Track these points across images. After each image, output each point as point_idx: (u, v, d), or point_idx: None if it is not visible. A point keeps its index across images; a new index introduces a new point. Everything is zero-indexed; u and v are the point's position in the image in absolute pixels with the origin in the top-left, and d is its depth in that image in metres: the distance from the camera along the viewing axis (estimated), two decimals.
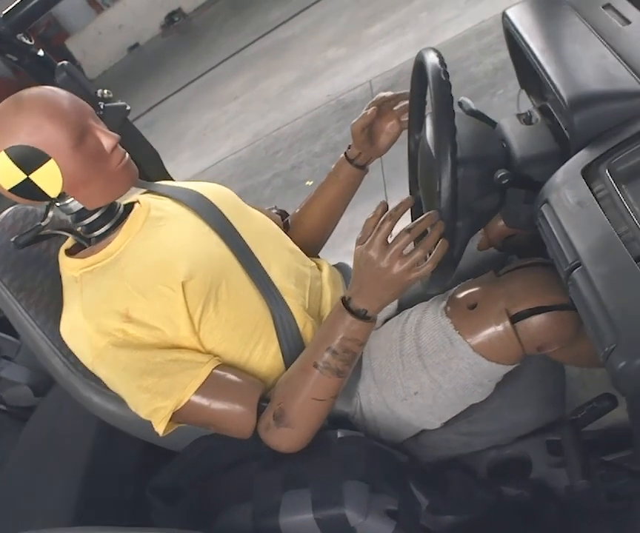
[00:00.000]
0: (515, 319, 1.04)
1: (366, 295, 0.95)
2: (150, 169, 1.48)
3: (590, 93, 1.03)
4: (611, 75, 1.03)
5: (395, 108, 1.22)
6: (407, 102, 1.21)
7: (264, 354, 1.10)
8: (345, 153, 1.30)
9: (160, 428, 1.01)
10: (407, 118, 1.23)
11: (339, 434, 1.08)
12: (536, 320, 1.04)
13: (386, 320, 1.26)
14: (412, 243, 0.92)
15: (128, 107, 1.39)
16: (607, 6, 1.21)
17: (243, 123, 4.72)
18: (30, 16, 1.30)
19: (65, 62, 1.34)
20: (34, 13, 1.30)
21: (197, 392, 1.00)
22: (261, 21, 6.58)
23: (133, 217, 1.10)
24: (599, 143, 0.98)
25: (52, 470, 1.30)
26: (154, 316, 1.01)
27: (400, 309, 1.27)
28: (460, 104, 1.32)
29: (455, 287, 1.17)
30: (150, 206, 1.12)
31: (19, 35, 1.31)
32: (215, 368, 1.02)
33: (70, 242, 1.12)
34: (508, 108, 1.28)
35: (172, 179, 1.57)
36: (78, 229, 1.08)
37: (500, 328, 1.04)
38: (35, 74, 1.35)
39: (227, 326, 1.07)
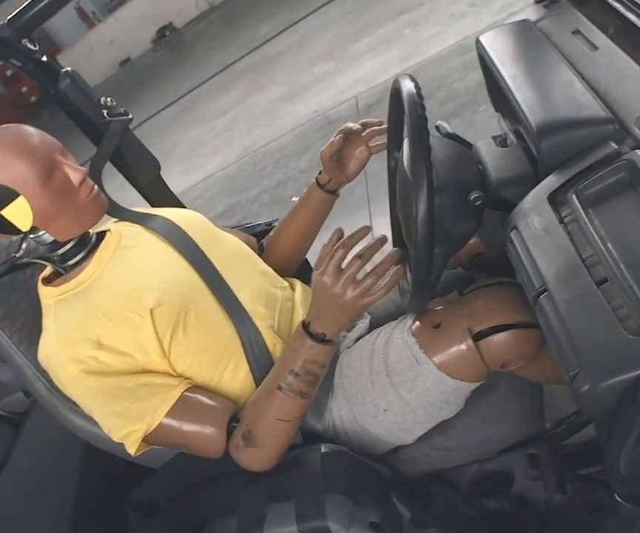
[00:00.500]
0: (477, 337, 1.06)
1: (323, 319, 0.97)
2: (145, 181, 1.46)
3: (558, 120, 1.05)
4: (578, 102, 1.05)
5: (363, 134, 1.24)
6: (374, 128, 1.24)
7: (234, 376, 1.12)
8: (316, 178, 1.32)
9: (132, 450, 1.03)
10: (375, 144, 1.26)
11: (323, 449, 1.09)
12: (498, 338, 1.05)
13: (358, 339, 1.27)
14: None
15: (131, 116, 1.39)
16: (576, 32, 1.24)
17: (231, 138, 4.73)
18: (35, 21, 1.29)
19: (69, 69, 1.33)
20: (38, 18, 1.29)
21: (167, 415, 1.02)
22: (250, 35, 6.61)
23: (104, 246, 1.12)
24: (566, 168, 1.00)
25: (40, 507, 1.28)
26: (125, 343, 1.03)
27: (372, 327, 1.29)
28: (437, 127, 1.34)
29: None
30: (120, 235, 1.15)
31: (24, 41, 1.30)
32: (185, 391, 1.04)
33: (48, 270, 1.14)
34: (489, 125, 1.30)
35: (169, 191, 1.57)
36: (55, 258, 1.09)
37: (463, 346, 1.06)
38: (39, 80, 1.35)
39: (197, 350, 1.08)
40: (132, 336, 1.04)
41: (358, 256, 0.92)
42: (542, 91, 1.13)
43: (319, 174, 1.32)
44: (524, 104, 1.09)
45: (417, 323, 1.13)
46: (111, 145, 1.34)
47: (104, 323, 1.03)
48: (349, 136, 1.24)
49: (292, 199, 3.32)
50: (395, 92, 1.08)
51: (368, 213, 2.86)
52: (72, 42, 9.56)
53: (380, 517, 1.03)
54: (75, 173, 1.02)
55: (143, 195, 1.48)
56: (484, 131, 1.74)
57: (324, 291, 0.94)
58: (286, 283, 1.31)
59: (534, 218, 0.98)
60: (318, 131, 3.90)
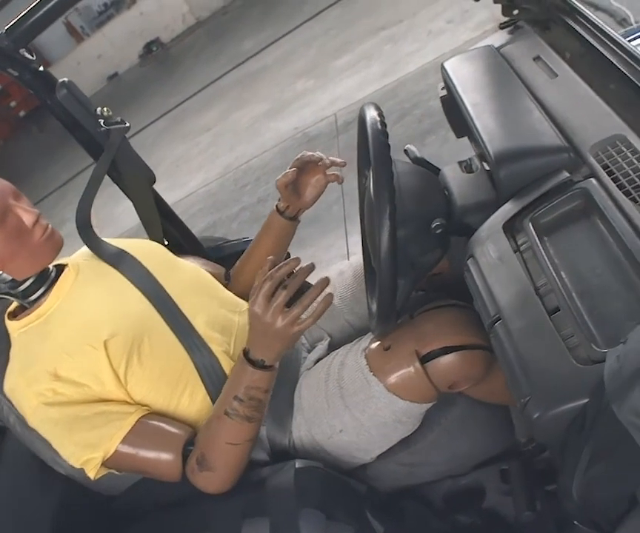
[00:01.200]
0: (425, 359, 1.07)
1: (259, 347, 1.00)
2: (139, 191, 1.44)
3: (515, 149, 1.06)
4: (535, 130, 1.06)
5: (319, 164, 1.25)
6: (332, 158, 1.25)
7: (191, 400, 1.14)
8: (276, 205, 1.34)
9: (91, 475, 1.06)
10: (332, 173, 1.28)
11: (297, 464, 1.10)
12: (445, 360, 1.07)
13: (318, 360, 1.28)
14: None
15: (128, 124, 1.38)
16: (537, 58, 1.26)
17: (214, 155, 4.72)
18: (32, 31, 1.28)
19: (66, 79, 1.32)
20: (36, 28, 1.28)
21: (123, 442, 1.05)
22: (235, 51, 6.60)
23: (62, 280, 1.15)
24: (522, 196, 1.01)
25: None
26: (81, 374, 1.06)
27: (331, 349, 1.30)
28: (406, 151, 1.35)
29: None
30: (78, 269, 1.18)
31: (21, 50, 1.29)
32: (140, 418, 1.07)
33: (14, 305, 1.16)
34: (463, 143, 1.32)
35: (162, 202, 1.55)
36: (17, 293, 1.11)
37: (411, 369, 1.08)
38: (36, 90, 1.34)
39: (153, 378, 1.11)
40: (88, 367, 1.07)
41: (284, 286, 0.94)
42: (501, 119, 1.14)
43: (279, 201, 1.33)
44: (484, 132, 1.11)
45: (370, 345, 1.15)
46: (111, 153, 1.33)
47: (61, 356, 1.06)
48: (306, 165, 1.26)
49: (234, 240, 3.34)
50: (361, 121, 1.09)
51: (344, 231, 2.87)
52: (60, 56, 9.52)
53: (353, 532, 1.04)
54: (27, 215, 1.06)
55: (135, 206, 1.45)
56: (458, 149, 1.77)
57: (257, 320, 0.96)
58: (246, 307, 1.31)
59: (490, 246, 0.99)
60: (297, 148, 3.89)
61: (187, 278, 1.27)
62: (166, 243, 1.53)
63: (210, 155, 4.80)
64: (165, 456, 1.06)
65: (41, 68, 1.34)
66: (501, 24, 1.46)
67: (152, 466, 1.07)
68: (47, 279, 1.13)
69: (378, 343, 1.14)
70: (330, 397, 1.15)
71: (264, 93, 5.17)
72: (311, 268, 0.96)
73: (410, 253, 1.09)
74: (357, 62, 4.51)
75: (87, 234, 1.26)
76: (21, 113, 9.95)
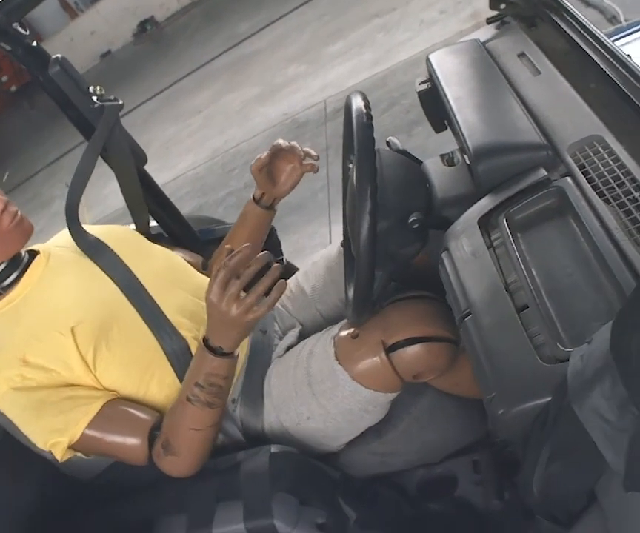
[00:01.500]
0: (391, 349, 1.09)
1: (217, 335, 1.01)
2: (123, 175, 1.41)
3: (494, 144, 1.06)
4: (515, 127, 1.07)
5: (296, 152, 1.25)
6: (307, 150, 1.25)
7: (160, 385, 1.15)
8: (253, 195, 1.34)
9: (59, 458, 1.07)
10: (308, 163, 1.28)
11: (272, 449, 1.12)
12: (410, 350, 1.08)
13: (289, 348, 1.29)
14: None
15: (121, 102, 1.36)
16: (522, 55, 1.26)
17: (204, 138, 4.68)
18: (26, 6, 1.26)
19: (59, 55, 1.30)
20: (30, 3, 1.27)
21: (89, 426, 1.06)
22: (229, 32, 6.51)
23: (33, 266, 1.16)
24: (499, 192, 1.02)
25: None
26: (49, 359, 1.07)
27: (301, 337, 1.32)
28: (388, 143, 1.34)
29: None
30: (49, 256, 1.19)
31: (14, 25, 1.26)
32: (107, 402, 1.09)
33: None
34: (448, 136, 1.32)
35: (152, 183, 1.54)
36: None
37: (376, 358, 1.09)
38: (28, 65, 1.33)
39: (121, 364, 1.12)
40: (56, 353, 1.08)
41: (237, 276, 0.95)
42: (482, 114, 1.14)
43: (255, 189, 1.33)
44: (465, 126, 1.11)
45: (340, 333, 1.17)
46: (105, 130, 1.31)
47: (30, 342, 1.08)
48: (281, 153, 1.26)
49: (227, 223, 3.34)
50: (347, 109, 1.09)
51: (328, 219, 2.87)
52: (54, 32, 9.38)
53: (326, 517, 1.06)
54: None
55: (121, 187, 1.42)
56: (443, 141, 1.77)
57: (212, 309, 0.97)
58: None
59: (464, 240, 1.00)
60: (286, 134, 3.86)
61: (160, 265, 1.27)
62: (153, 223, 1.53)
63: (199, 137, 4.76)
64: (131, 440, 1.08)
65: (35, 43, 1.31)
66: (488, 18, 1.46)
67: (119, 450, 1.09)
68: (19, 265, 1.14)
69: (347, 330, 1.16)
70: (297, 385, 1.17)
71: (256, 77, 5.13)
72: (266, 257, 0.96)
73: (389, 246, 1.09)
74: (349, 49, 4.48)
75: (73, 220, 1.26)
76: (13, 88, 9.78)
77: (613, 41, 1.73)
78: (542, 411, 0.74)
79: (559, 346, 0.77)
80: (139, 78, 7.17)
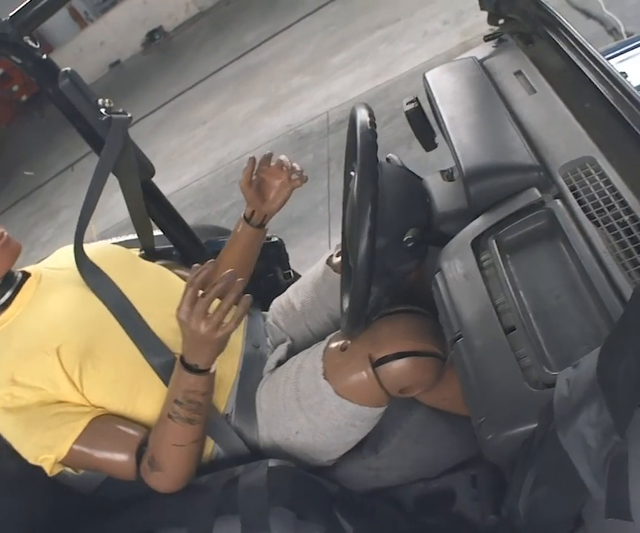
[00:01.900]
0: (378, 364, 1.09)
1: (191, 352, 1.02)
2: (129, 189, 1.41)
3: (486, 166, 1.05)
4: (507, 147, 1.06)
5: (283, 168, 1.27)
6: (294, 165, 1.27)
7: (147, 401, 1.16)
8: (244, 213, 1.35)
9: (48, 472, 1.09)
10: (296, 178, 1.28)
11: (270, 463, 1.11)
12: (397, 364, 1.08)
13: (279, 362, 1.29)
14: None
15: (130, 115, 1.37)
16: (518, 73, 1.25)
17: (208, 149, 4.68)
18: (37, 19, 1.27)
19: (69, 69, 1.31)
20: (40, 16, 1.28)
21: (76, 442, 1.08)
22: (236, 43, 6.54)
23: (25, 288, 1.19)
24: (492, 213, 1.01)
25: None
26: (36, 378, 1.09)
27: (291, 352, 1.32)
28: (387, 160, 1.35)
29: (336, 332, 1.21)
30: (40, 277, 1.21)
31: (25, 38, 1.28)
32: (95, 419, 1.10)
33: None
34: (448, 149, 1.33)
35: (160, 194, 1.55)
36: None
37: (363, 373, 1.09)
38: (38, 78, 1.34)
39: (108, 381, 1.14)
40: (43, 373, 1.10)
41: (203, 294, 0.96)
42: (476, 134, 1.14)
43: (246, 208, 1.34)
44: (458, 147, 1.11)
45: (330, 345, 1.17)
46: (117, 144, 1.31)
47: (18, 362, 1.10)
48: (267, 168, 1.28)
49: None
50: (352, 120, 1.09)
51: (328, 232, 2.87)
52: (64, 41, 9.45)
53: (323, 531, 1.06)
54: None
55: (127, 201, 1.42)
56: (443, 154, 1.76)
57: (184, 327, 0.98)
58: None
59: (457, 262, 0.99)
60: (289, 146, 3.87)
61: (151, 285, 1.29)
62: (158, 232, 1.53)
63: (204, 148, 4.76)
64: (119, 456, 1.10)
65: (44, 56, 1.33)
66: (485, 36, 1.46)
67: (107, 466, 1.11)
68: (12, 284, 1.17)
69: (337, 342, 1.16)
70: (286, 400, 1.17)
71: (260, 88, 5.14)
72: (232, 276, 0.97)
73: (387, 262, 1.09)
74: (352, 60, 4.48)
75: (79, 241, 1.27)
76: (23, 98, 9.86)
77: (611, 58, 1.74)
78: (530, 437, 0.73)
79: (545, 369, 0.77)
80: (147, 88, 7.22)
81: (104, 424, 1.12)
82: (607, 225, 0.87)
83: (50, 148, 7.04)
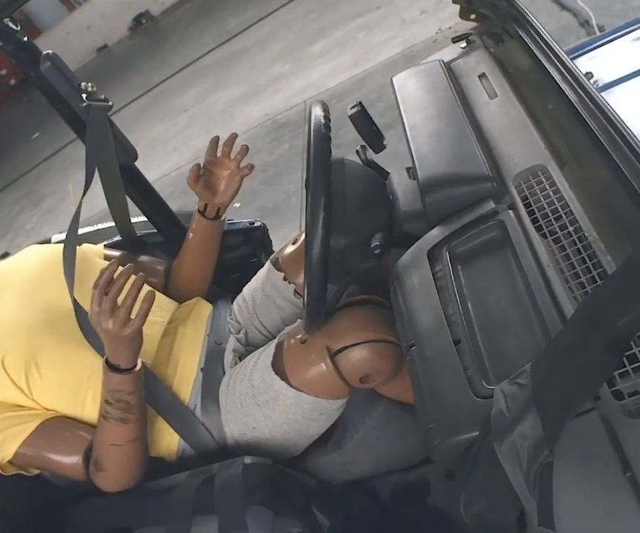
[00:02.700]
0: (336, 354, 1.08)
1: (110, 352, 1.04)
2: (107, 176, 1.37)
3: (440, 176, 1.05)
4: (464, 157, 1.06)
5: (231, 158, 1.26)
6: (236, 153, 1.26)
7: (97, 400, 1.15)
8: (197, 207, 1.34)
9: (1, 471, 1.12)
10: (244, 166, 1.27)
11: (246, 460, 1.11)
12: (354, 352, 1.07)
13: (234, 351, 1.31)
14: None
15: (110, 102, 1.35)
16: (483, 75, 1.25)
17: (189, 138, 4.64)
18: (17, 1, 1.24)
19: (50, 51, 1.29)
20: None
21: (24, 445, 1.10)
22: (219, 29, 6.46)
23: None
24: (447, 224, 1.01)
25: None
26: None
27: (247, 344, 1.34)
28: (357, 152, 1.35)
29: (294, 324, 1.22)
30: None
31: (5, 20, 1.25)
32: (45, 422, 1.12)
33: None
34: None
35: (143, 179, 1.54)
36: None
37: (322, 365, 1.08)
38: (19, 61, 1.31)
39: (53, 385, 1.15)
40: None
41: (105, 293, 0.97)
42: (434, 144, 1.13)
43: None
44: (417, 157, 1.10)
45: (289, 338, 1.17)
46: (97, 133, 1.29)
47: None
48: (215, 161, 1.28)
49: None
50: (308, 118, 1.07)
51: (300, 223, 2.86)
52: (52, 25, 9.30)
53: (300, 526, 1.06)
54: None
55: (104, 188, 1.38)
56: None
57: (97, 327, 1.00)
58: (172, 308, 1.38)
59: (413, 272, 1.00)
60: (266, 135, 3.85)
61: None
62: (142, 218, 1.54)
63: (185, 136, 4.72)
64: (68, 458, 1.12)
65: (25, 39, 1.30)
66: (453, 38, 1.45)
67: (57, 467, 1.13)
68: None
69: (296, 336, 1.16)
70: (242, 397, 1.18)
71: (242, 75, 5.09)
72: (128, 270, 0.99)
73: (347, 262, 1.08)
74: (332, 49, 4.45)
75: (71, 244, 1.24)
76: (12, 82, 9.74)
77: (581, 55, 1.71)
78: (472, 444, 0.75)
79: (483, 383, 0.78)
80: (132, 74, 7.11)
81: (54, 427, 1.13)
82: (553, 237, 0.88)
83: (39, 133, 6.93)
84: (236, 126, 4.25)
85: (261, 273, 1.42)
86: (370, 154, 1.38)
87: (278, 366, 1.15)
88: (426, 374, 0.87)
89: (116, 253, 1.47)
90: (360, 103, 1.37)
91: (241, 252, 1.69)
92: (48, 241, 1.72)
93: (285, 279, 1.35)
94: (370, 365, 1.08)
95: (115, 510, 1.19)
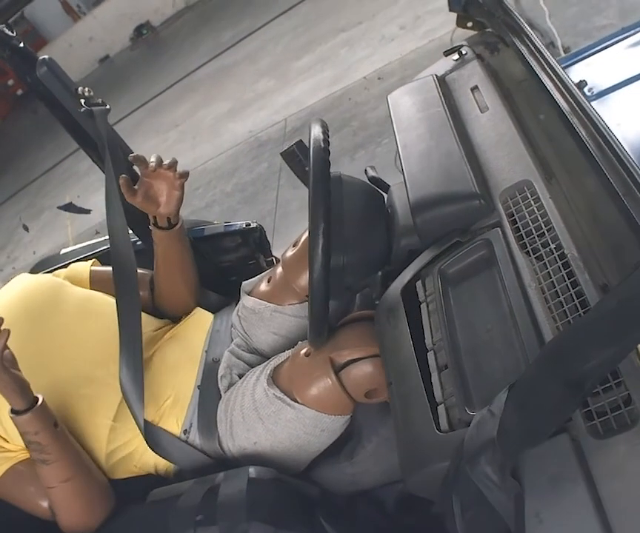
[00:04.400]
0: (340, 369, 1.06)
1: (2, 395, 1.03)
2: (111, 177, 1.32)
3: (429, 196, 1.02)
4: (451, 175, 1.03)
5: (163, 169, 1.20)
6: (166, 163, 1.20)
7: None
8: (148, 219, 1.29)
9: None
10: (179, 178, 1.22)
11: (250, 471, 1.08)
12: (358, 366, 1.05)
13: (229, 368, 1.28)
14: None
15: (108, 106, 1.32)
16: (475, 88, 1.23)
17: (177, 153, 4.42)
18: (13, 7, 1.22)
19: (46, 57, 1.26)
20: (16, 4, 1.22)
21: None
22: (214, 42, 6.42)
23: None
24: (436, 245, 1.00)
25: None
26: None
27: (237, 357, 1.32)
28: (365, 171, 1.36)
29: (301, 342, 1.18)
30: None
31: (1, 26, 1.23)
32: (17, 463, 1.12)
33: None
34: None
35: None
36: None
37: (327, 379, 1.06)
38: (16, 67, 1.28)
39: None
40: None
41: None
42: (424, 163, 1.10)
43: None
44: (408, 177, 1.08)
45: (296, 352, 1.14)
46: (103, 137, 1.26)
47: None
48: (150, 175, 1.21)
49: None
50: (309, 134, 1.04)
51: (271, 243, 2.93)
52: (57, 35, 9.43)
53: None
54: None
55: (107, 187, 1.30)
56: (384, 164, 1.81)
57: None
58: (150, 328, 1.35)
59: (390, 311, 0.99)
60: (248, 153, 3.83)
61: (72, 316, 1.28)
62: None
63: (173, 153, 4.44)
64: (35, 502, 1.12)
65: (22, 44, 1.27)
66: (445, 51, 1.42)
67: (27, 508, 1.13)
68: None
69: (302, 350, 1.13)
70: (245, 411, 1.14)
71: (230, 90, 5.05)
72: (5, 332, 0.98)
73: (347, 279, 1.07)
74: (315, 64, 4.42)
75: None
76: (19, 92, 9.82)
77: (574, 63, 1.66)
78: (447, 472, 0.75)
79: (466, 409, 0.77)
80: (132, 86, 7.09)
81: (25, 470, 1.11)
82: (536, 255, 0.85)
83: (42, 144, 6.89)
84: (221, 143, 4.29)
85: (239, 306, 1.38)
86: (374, 171, 1.38)
87: (281, 380, 1.12)
88: (399, 409, 0.86)
89: (103, 269, 1.44)
90: (295, 143, 1.36)
91: (239, 255, 1.64)
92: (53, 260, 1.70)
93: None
94: (374, 380, 1.04)
95: (119, 519, 1.16)
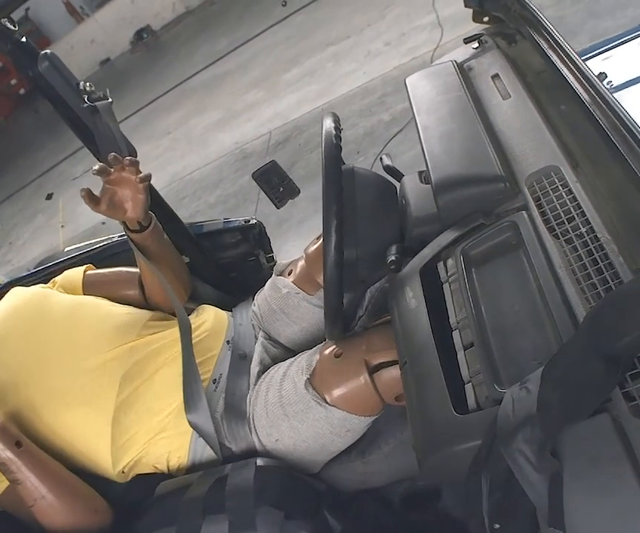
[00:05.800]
0: (374, 370, 1.02)
1: None
2: None
3: (453, 177, 0.99)
4: (476, 158, 0.99)
5: (124, 174, 1.14)
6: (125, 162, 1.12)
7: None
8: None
9: None
10: (139, 182, 1.14)
11: (258, 462, 1.07)
12: (393, 370, 1.01)
13: (262, 363, 1.25)
14: None
15: (110, 99, 1.29)
16: (496, 76, 1.19)
17: (167, 162, 4.51)
18: (14, 2, 1.19)
19: (48, 51, 1.23)
20: None
21: None
22: (209, 49, 6.35)
23: None
24: (460, 226, 0.96)
25: None
26: None
27: (265, 351, 1.28)
28: (381, 159, 1.34)
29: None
30: None
31: (3, 21, 1.20)
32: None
33: None
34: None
35: None
36: None
37: (360, 378, 1.03)
38: (17, 61, 1.25)
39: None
40: None
41: None
42: (446, 145, 1.07)
43: None
44: (429, 158, 1.04)
45: (324, 351, 1.10)
46: (106, 126, 1.24)
47: None
48: (113, 182, 1.15)
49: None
50: (321, 132, 1.01)
51: None
52: (61, 36, 9.43)
53: (310, 530, 1.02)
54: None
55: None
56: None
57: None
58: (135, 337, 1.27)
59: (407, 290, 0.95)
60: (232, 165, 3.78)
61: (63, 328, 1.24)
62: None
63: (163, 160, 4.60)
64: (35, 518, 1.08)
65: (24, 39, 1.23)
66: (465, 38, 1.37)
67: (33, 522, 1.08)
68: None
69: (330, 349, 1.08)
70: (269, 407, 1.10)
71: (221, 100, 4.98)
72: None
73: (362, 272, 1.04)
74: (302, 77, 4.37)
75: None
76: (21, 91, 9.85)
77: (593, 56, 1.65)
78: (478, 453, 0.71)
79: (495, 386, 0.73)
80: (130, 89, 7.03)
81: None
82: (565, 238, 0.82)
83: (42, 143, 6.87)
84: (209, 154, 4.29)
85: (266, 287, 1.35)
86: (389, 159, 1.35)
87: (311, 379, 1.07)
88: (414, 392, 0.83)
89: (97, 272, 1.42)
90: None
91: (239, 251, 1.60)
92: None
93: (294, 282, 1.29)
94: None
95: (128, 511, 1.13)
